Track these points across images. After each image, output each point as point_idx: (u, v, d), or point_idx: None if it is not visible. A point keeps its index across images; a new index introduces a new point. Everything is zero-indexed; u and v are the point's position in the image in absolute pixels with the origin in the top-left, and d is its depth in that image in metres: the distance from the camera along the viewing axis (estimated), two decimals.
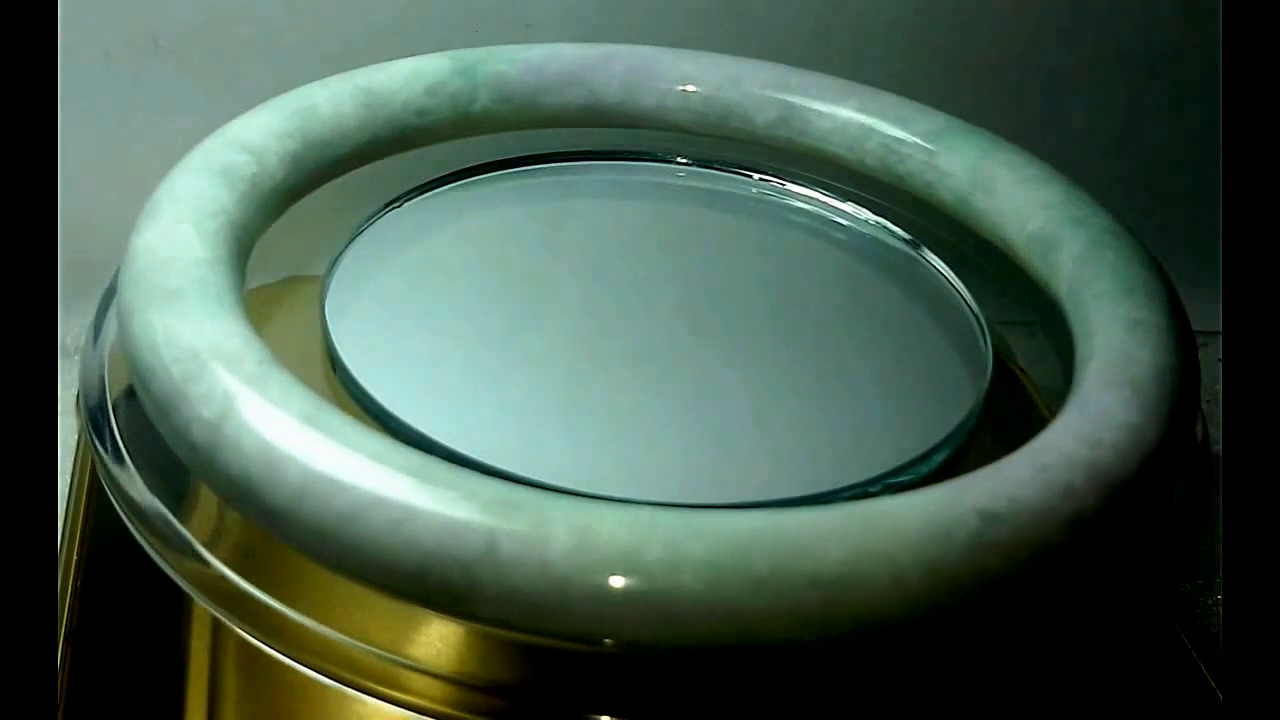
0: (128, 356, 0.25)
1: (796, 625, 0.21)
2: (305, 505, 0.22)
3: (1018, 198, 0.32)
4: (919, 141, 0.33)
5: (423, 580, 0.21)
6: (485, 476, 0.22)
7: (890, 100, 0.34)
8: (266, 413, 0.23)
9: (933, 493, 0.23)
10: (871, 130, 0.34)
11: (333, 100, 0.31)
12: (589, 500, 0.22)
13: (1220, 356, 0.44)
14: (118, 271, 0.27)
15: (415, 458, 0.22)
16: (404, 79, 0.31)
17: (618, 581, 0.21)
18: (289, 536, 0.22)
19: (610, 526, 0.21)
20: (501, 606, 0.21)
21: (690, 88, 0.34)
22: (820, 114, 0.34)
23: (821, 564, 0.21)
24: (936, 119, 0.34)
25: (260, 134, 0.29)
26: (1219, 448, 0.25)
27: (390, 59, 0.34)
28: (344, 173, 0.31)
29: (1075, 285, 0.30)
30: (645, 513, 0.22)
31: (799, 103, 0.34)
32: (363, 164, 0.32)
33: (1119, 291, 0.29)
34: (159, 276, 0.26)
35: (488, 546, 0.21)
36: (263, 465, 0.22)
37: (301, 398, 0.23)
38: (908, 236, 0.34)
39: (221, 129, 0.30)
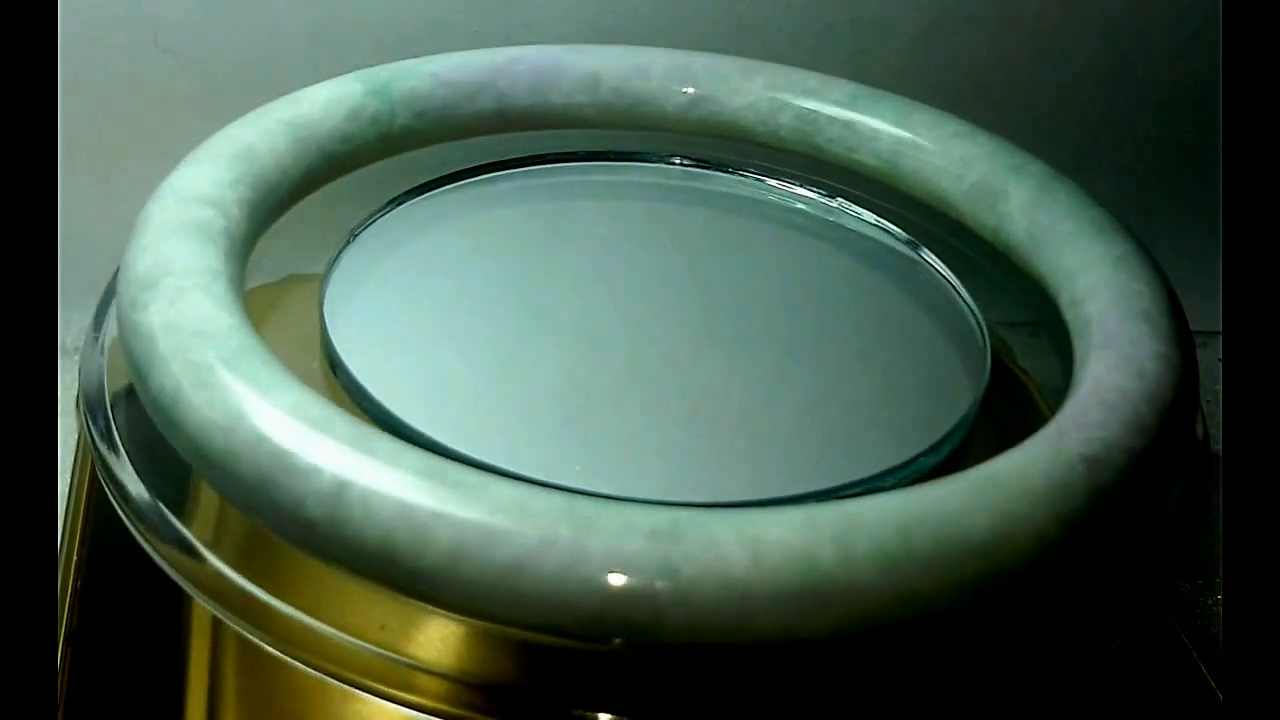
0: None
1: (960, 595, 0.22)
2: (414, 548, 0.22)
3: (949, 153, 0.33)
4: (835, 110, 0.34)
5: (603, 620, 0.21)
6: (632, 503, 0.22)
7: (798, 74, 0.35)
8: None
9: (1031, 448, 0.24)
10: (784, 104, 0.34)
11: (267, 139, 0.30)
12: (730, 511, 0.22)
13: (1220, 356, 0.44)
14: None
15: (550, 495, 0.22)
16: (324, 107, 0.31)
17: (799, 582, 0.21)
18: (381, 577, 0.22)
19: (777, 533, 0.21)
20: (691, 631, 0.21)
21: (598, 82, 0.34)
22: (731, 93, 0.34)
23: (973, 533, 0.22)
24: (847, 87, 0.34)
25: (211, 185, 0.28)
26: (1219, 448, 0.25)
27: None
28: (286, 211, 0.31)
29: (1035, 230, 0.31)
30: (799, 513, 0.22)
31: (708, 85, 0.34)
32: (302, 198, 0.31)
33: (1088, 231, 0.30)
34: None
35: (668, 573, 0.21)
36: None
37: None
38: (905, 236, 0.34)
39: (169, 181, 0.28)
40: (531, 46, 0.34)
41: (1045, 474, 0.23)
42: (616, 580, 0.21)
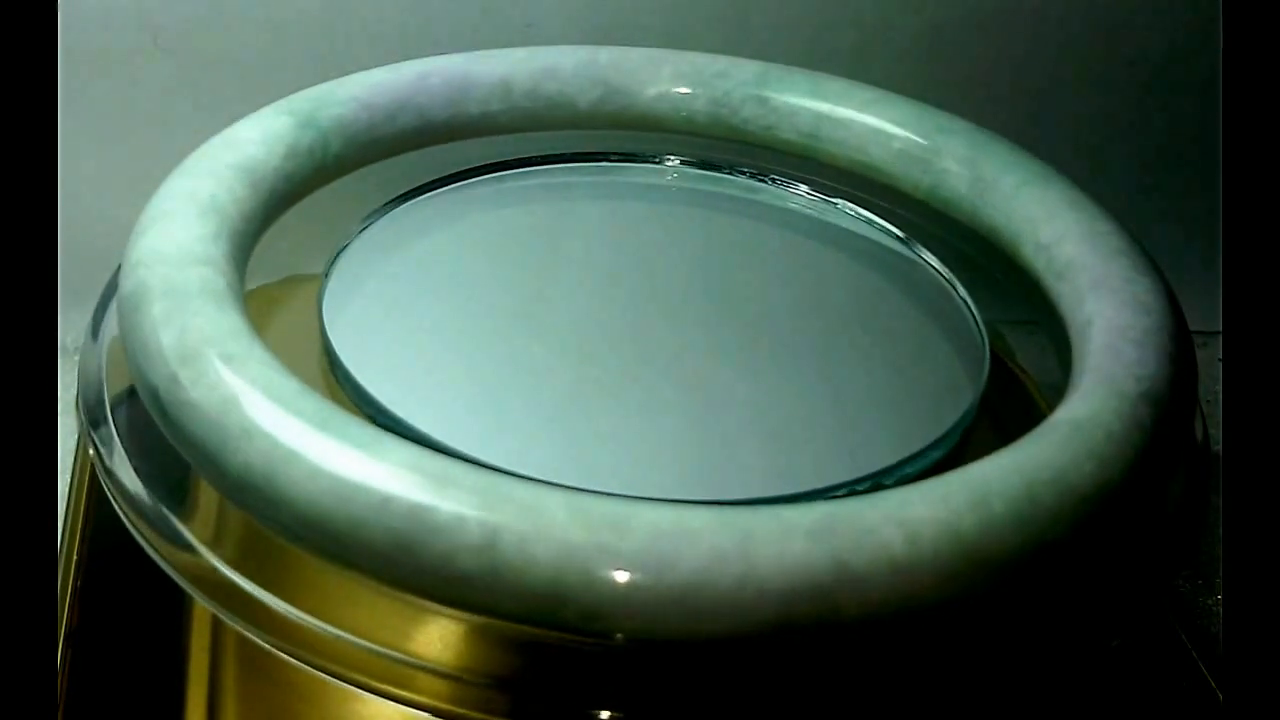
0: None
1: (1076, 542, 0.24)
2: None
3: (872, 120, 0.33)
4: (747, 89, 0.34)
5: (784, 624, 0.22)
6: (781, 503, 0.23)
7: (704, 58, 0.35)
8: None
9: (1091, 395, 0.25)
10: (696, 90, 0.34)
11: (225, 189, 0.29)
12: (866, 497, 0.23)
13: (1220, 356, 0.44)
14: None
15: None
16: (265, 146, 0.30)
17: (949, 553, 0.22)
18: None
19: (920, 511, 0.22)
20: (864, 616, 0.22)
21: (510, 88, 0.34)
22: (642, 84, 0.34)
23: (1082, 480, 0.24)
24: (755, 66, 0.35)
25: (182, 243, 0.27)
26: (1219, 448, 0.25)
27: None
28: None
29: (978, 184, 0.32)
30: (936, 485, 0.23)
31: (618, 79, 0.34)
32: (258, 238, 0.30)
33: (1036, 180, 0.32)
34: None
35: (837, 568, 0.22)
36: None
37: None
38: (903, 235, 0.34)
39: (133, 242, 0.27)
40: (439, 57, 0.34)
41: (1119, 414, 0.25)
42: (790, 583, 0.21)
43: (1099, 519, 0.24)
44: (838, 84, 0.35)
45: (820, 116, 0.34)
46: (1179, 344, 0.28)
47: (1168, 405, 0.26)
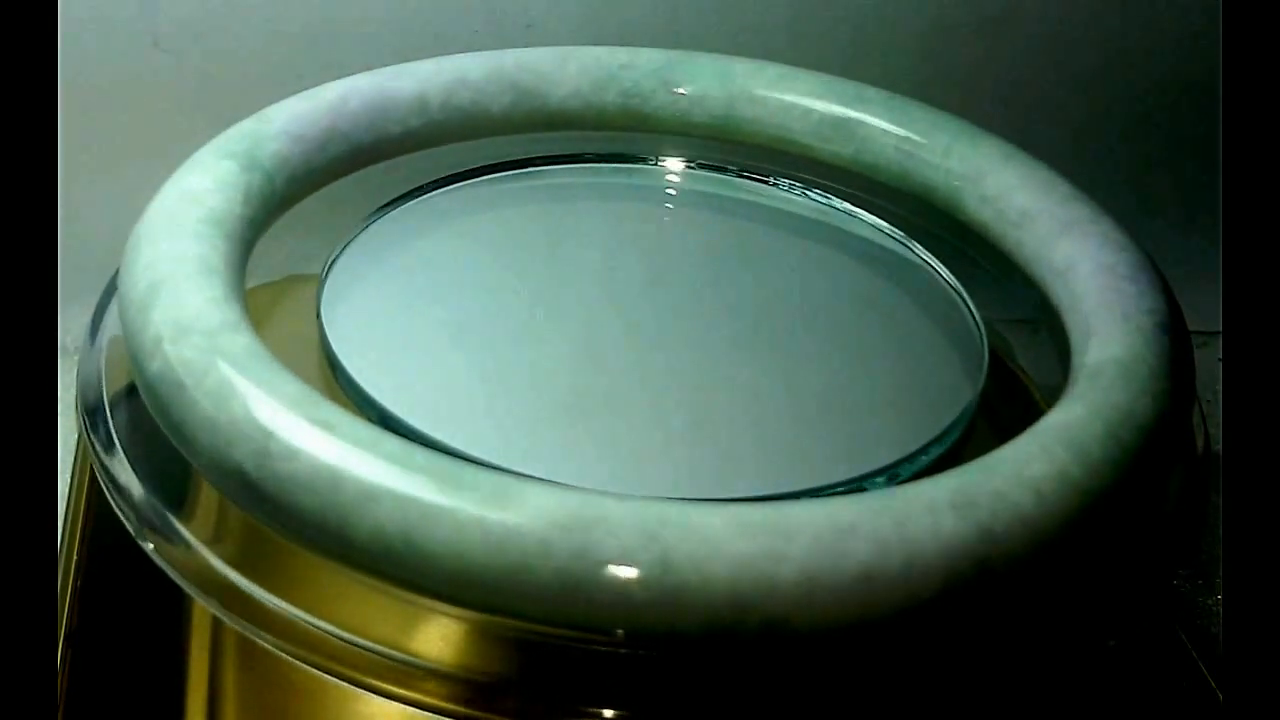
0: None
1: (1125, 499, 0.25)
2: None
3: (785, 95, 0.34)
4: (655, 79, 0.34)
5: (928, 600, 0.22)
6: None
7: (606, 52, 0.35)
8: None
9: (1111, 334, 0.27)
10: (605, 84, 0.34)
11: (208, 246, 0.27)
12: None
13: (1220, 356, 0.44)
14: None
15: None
16: (222, 199, 0.28)
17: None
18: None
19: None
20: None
21: (426, 103, 0.33)
22: (552, 84, 0.34)
23: (1139, 417, 0.25)
24: (658, 55, 0.35)
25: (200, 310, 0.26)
26: (1219, 448, 0.25)
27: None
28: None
29: (906, 147, 0.33)
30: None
31: (527, 81, 0.34)
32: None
33: (964, 138, 0.33)
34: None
35: (987, 537, 0.22)
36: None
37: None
38: (901, 234, 0.34)
39: (142, 316, 0.26)
40: (354, 78, 0.33)
41: (1152, 349, 0.26)
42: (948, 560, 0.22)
43: (1153, 455, 0.25)
44: (745, 64, 0.35)
45: (732, 97, 0.34)
46: (1163, 278, 0.29)
47: (1183, 337, 0.28)
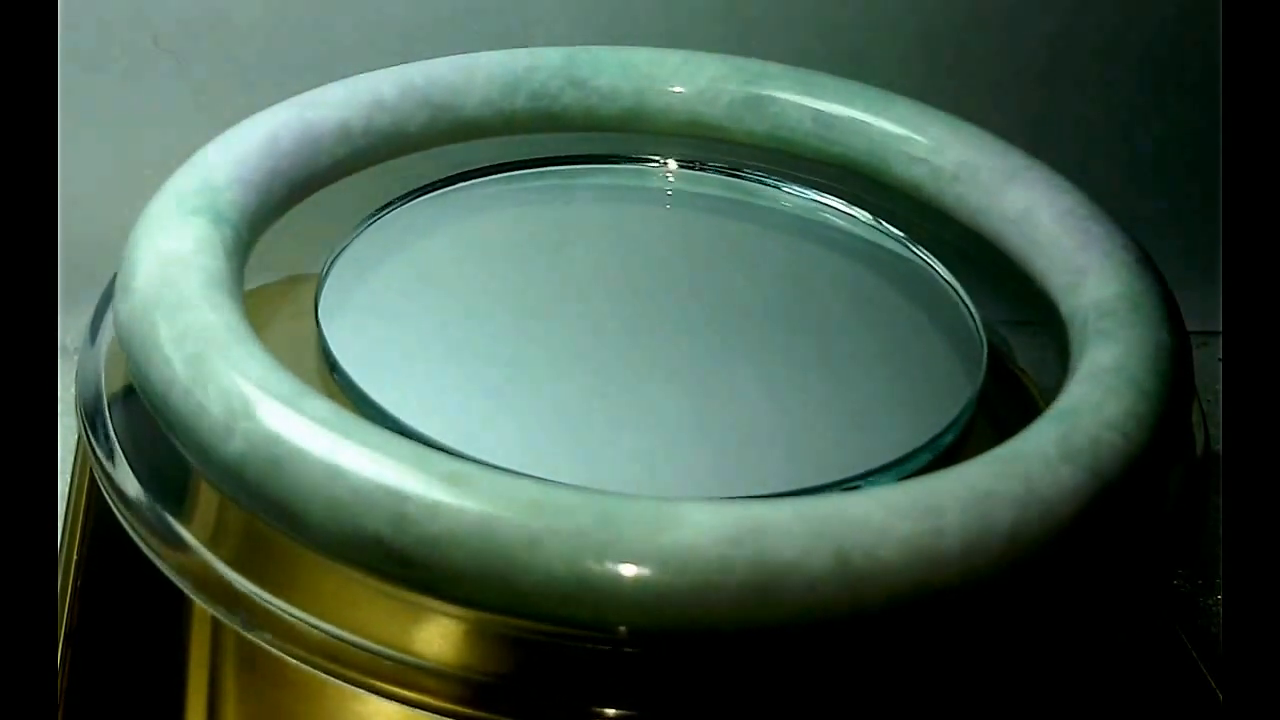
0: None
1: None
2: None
3: (691, 82, 0.34)
4: (561, 78, 0.34)
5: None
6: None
7: (508, 55, 0.35)
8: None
9: (1107, 290, 0.27)
10: (513, 88, 0.34)
11: (227, 313, 0.26)
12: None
13: (1220, 356, 0.44)
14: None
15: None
16: (208, 257, 0.27)
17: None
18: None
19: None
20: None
21: (348, 130, 0.32)
22: (461, 95, 0.34)
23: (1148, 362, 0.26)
24: (558, 54, 0.35)
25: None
26: (1219, 448, 0.25)
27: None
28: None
29: (822, 120, 0.34)
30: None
31: (439, 95, 0.34)
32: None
33: (881, 102, 0.33)
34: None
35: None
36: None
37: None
38: (900, 234, 0.34)
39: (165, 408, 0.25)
40: (269, 111, 0.32)
41: (1149, 290, 0.27)
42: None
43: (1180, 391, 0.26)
44: (646, 53, 0.35)
45: (639, 89, 0.34)
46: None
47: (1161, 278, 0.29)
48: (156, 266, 0.26)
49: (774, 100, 0.34)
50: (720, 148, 0.36)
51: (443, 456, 0.22)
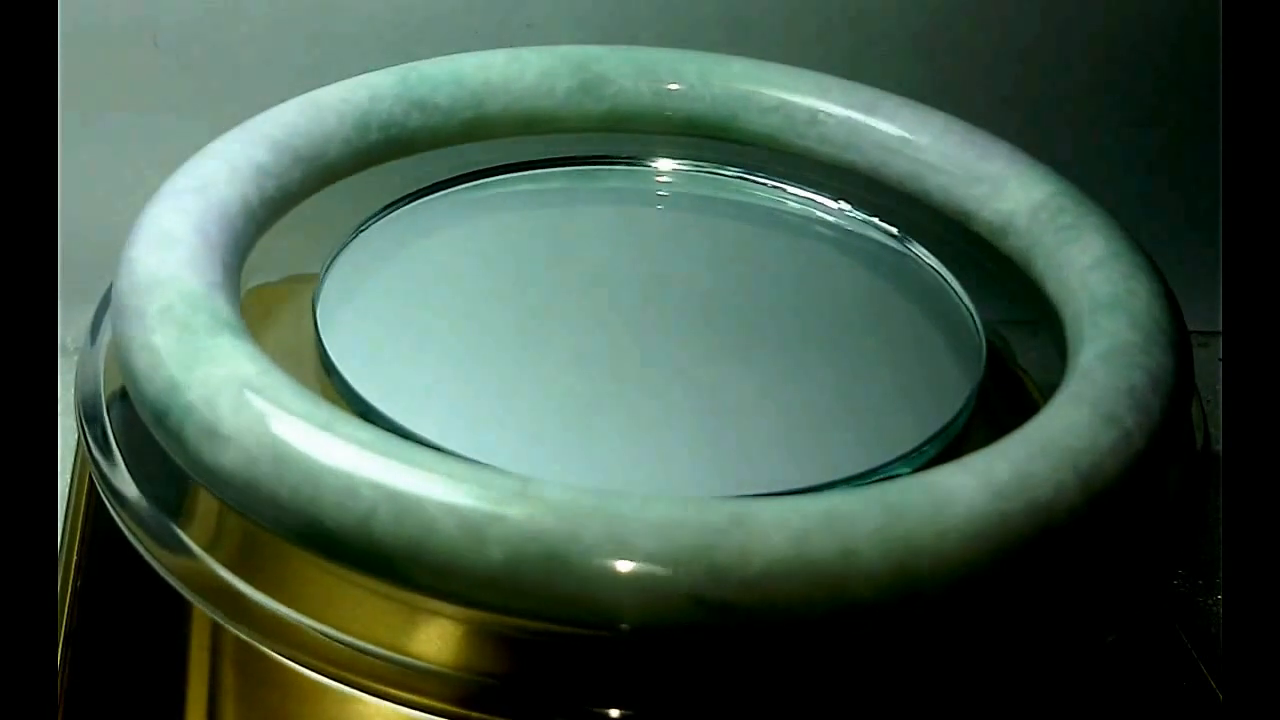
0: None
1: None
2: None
3: (527, 77, 0.34)
4: (404, 100, 0.33)
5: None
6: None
7: (340, 90, 0.33)
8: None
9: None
10: (365, 122, 0.33)
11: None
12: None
13: (1220, 356, 0.44)
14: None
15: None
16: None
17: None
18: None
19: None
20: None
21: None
22: (320, 142, 0.32)
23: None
24: (389, 75, 0.34)
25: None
26: (1219, 448, 0.25)
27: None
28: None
29: (661, 88, 0.34)
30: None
31: (303, 146, 0.32)
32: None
33: (720, 64, 0.34)
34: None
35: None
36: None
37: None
38: (897, 233, 0.34)
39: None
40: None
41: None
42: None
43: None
44: (474, 58, 0.35)
45: (477, 95, 0.34)
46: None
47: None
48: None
49: (609, 82, 0.34)
50: (719, 148, 0.36)
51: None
